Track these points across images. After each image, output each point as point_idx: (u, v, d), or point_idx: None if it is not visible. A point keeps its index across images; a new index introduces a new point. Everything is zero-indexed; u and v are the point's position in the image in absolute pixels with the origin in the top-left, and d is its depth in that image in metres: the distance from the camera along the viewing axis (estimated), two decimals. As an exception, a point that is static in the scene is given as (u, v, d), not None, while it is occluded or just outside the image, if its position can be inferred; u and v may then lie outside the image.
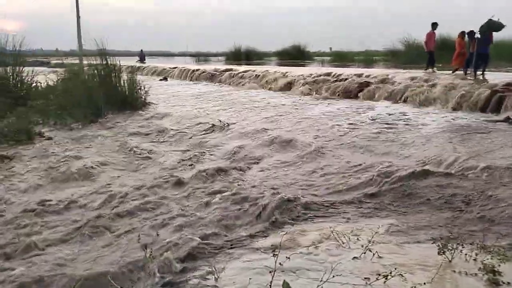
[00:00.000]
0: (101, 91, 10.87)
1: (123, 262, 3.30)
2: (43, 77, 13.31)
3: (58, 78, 13.40)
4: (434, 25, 13.37)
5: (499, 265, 2.88)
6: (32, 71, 12.67)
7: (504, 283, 2.74)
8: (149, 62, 32.84)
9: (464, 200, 4.29)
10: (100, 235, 4.02)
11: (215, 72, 21.40)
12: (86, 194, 5.16)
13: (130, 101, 11.61)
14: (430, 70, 13.60)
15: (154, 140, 8.10)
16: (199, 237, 3.69)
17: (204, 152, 6.99)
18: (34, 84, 12.66)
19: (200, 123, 9.32)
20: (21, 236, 3.99)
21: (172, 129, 8.86)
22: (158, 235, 3.77)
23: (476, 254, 3.09)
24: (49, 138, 8.24)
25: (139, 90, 12.05)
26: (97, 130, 9.05)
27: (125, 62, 16.18)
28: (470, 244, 3.28)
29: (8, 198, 5.04)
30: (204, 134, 8.37)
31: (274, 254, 2.91)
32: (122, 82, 11.82)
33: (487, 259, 3.01)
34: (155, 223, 4.15)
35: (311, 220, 4.05)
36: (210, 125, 8.89)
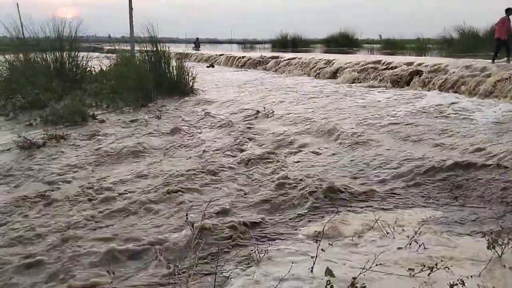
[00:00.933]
0: (151, 76, 11.23)
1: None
2: (97, 62, 13.91)
3: (111, 63, 13.96)
4: (509, 11, 12.26)
5: (554, 263, 2.75)
6: (87, 56, 13.27)
7: (558, 282, 2.62)
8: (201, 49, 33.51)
9: (519, 195, 4.09)
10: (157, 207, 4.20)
11: (261, 59, 21.41)
12: (137, 171, 5.38)
13: (179, 87, 11.91)
14: (497, 60, 12.32)
15: (200, 125, 8.27)
16: (242, 219, 3.77)
17: (248, 138, 7.06)
18: (88, 69, 13.28)
19: (245, 109, 9.41)
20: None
21: (217, 114, 9.00)
22: (204, 214, 3.88)
23: (530, 251, 2.96)
24: (102, 121, 8.63)
25: (187, 76, 12.31)
26: (147, 113, 9.37)
27: (174, 48, 16.54)
28: (524, 240, 3.14)
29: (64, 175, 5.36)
30: (249, 120, 8.45)
31: (316, 240, 2.94)
32: (171, 68, 12.14)
33: (542, 256, 2.88)
34: (201, 204, 4.27)
35: (355, 209, 4.01)
36: (255, 112, 8.95)
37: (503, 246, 2.94)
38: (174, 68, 12.19)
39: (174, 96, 11.48)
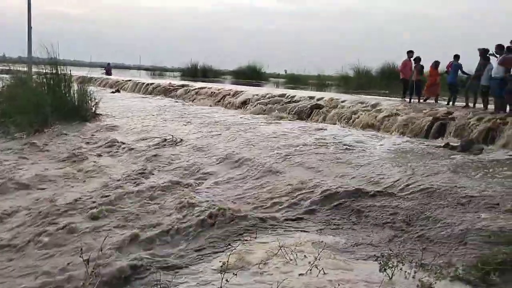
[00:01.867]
0: (49, 99, 10.46)
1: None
2: (-14, 83, 12.62)
3: (3, 84, 12.74)
4: (410, 53, 13.23)
5: (435, 283, 3.05)
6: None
7: (439, 299, 2.90)
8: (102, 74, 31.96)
9: (405, 220, 4.50)
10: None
11: (170, 87, 21.20)
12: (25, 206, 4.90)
13: (80, 112, 11.25)
14: (406, 99, 13.12)
15: (102, 153, 7.85)
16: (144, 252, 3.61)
17: (152, 167, 6.86)
18: (-25, 90, 11.97)
19: (152, 137, 9.17)
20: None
21: (121, 142, 8.64)
22: (101, 250, 3.63)
23: (415, 272, 3.25)
24: (-13, 147, 7.78)
25: (90, 101, 11.71)
26: (42, 139, 8.65)
27: (76, 72, 15.68)
28: (410, 262, 3.44)
29: None
30: (155, 148, 8.23)
31: (221, 271, 2.91)
32: (72, 91, 11.45)
33: (425, 276, 3.17)
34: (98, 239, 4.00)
35: (259, 237, 4.07)
36: (162, 140, 8.77)
37: (393, 269, 3.19)
38: (75, 92, 11.52)
39: (74, 121, 10.78)
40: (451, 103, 11.97)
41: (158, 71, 45.62)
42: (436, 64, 12.86)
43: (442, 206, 4.85)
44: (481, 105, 10.48)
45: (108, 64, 36.29)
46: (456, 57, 11.93)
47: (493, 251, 3.50)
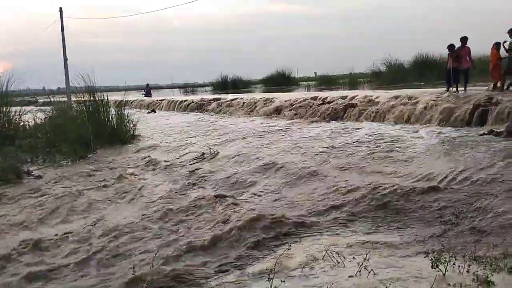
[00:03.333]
0: (89, 126, 10.90)
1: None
2: (31, 116, 13.31)
3: (46, 115, 13.41)
4: (464, 40, 12.00)
5: (492, 275, 2.92)
6: (20, 110, 12.67)
7: (498, 292, 2.78)
8: (139, 96, 32.89)
9: (455, 213, 4.35)
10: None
11: (203, 102, 21.58)
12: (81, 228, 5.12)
13: (119, 135, 11.64)
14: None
15: (144, 172, 8.08)
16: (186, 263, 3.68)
17: (195, 182, 6.99)
18: (22, 123, 12.63)
19: (190, 152, 9.36)
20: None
21: (161, 160, 8.86)
22: (152, 265, 3.73)
23: (469, 266, 3.12)
24: (39, 177, 8.17)
25: (128, 124, 12.11)
26: (86, 165, 9.02)
27: (113, 97, 16.28)
28: (463, 256, 3.32)
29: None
30: (194, 163, 8.39)
31: (268, 279, 2.92)
32: (110, 116, 11.89)
33: (480, 270, 3.04)
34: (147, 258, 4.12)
35: (305, 241, 4.06)
36: (200, 154, 8.93)
37: (446, 264, 3.09)
38: (113, 116, 11.96)
39: (114, 144, 11.17)
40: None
41: (190, 87, 46.58)
42: (497, 45, 11.47)
43: (492, 195, 4.65)
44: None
45: (147, 85, 36.58)
46: None
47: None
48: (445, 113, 9.81)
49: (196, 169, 7.80)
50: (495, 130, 8.09)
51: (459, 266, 3.11)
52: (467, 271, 3.06)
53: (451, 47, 12.39)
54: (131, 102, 27.92)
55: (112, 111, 12.15)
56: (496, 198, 4.57)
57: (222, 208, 5.44)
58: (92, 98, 11.72)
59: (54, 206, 6.12)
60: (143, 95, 32.75)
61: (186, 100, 23.40)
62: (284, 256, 3.50)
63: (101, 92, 12.13)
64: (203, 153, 8.93)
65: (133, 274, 3.53)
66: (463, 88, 11.88)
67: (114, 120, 11.91)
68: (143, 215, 5.44)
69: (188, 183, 6.94)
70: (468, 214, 4.32)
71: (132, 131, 12.09)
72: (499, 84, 11.19)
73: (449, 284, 2.94)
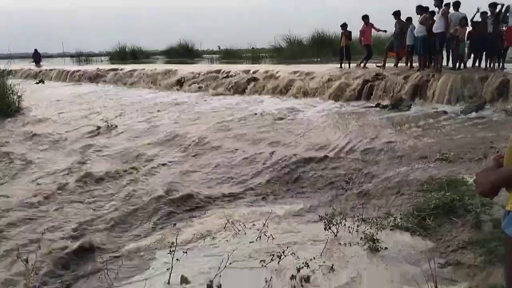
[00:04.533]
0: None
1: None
2: None
3: None
4: (366, 19, 12.27)
5: (377, 233, 3.22)
6: None
7: (382, 248, 3.08)
8: (24, 65, 29.39)
9: (345, 179, 4.70)
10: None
11: (98, 72, 20.16)
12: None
13: (1, 107, 10.39)
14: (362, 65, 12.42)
15: (31, 147, 7.35)
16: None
17: (91, 155, 6.56)
18: None
19: (85, 125, 8.73)
20: None
21: (52, 134, 8.13)
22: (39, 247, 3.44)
23: (358, 226, 3.41)
24: None
25: (11, 95, 10.85)
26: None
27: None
28: (352, 217, 3.60)
29: None
30: (90, 136, 7.85)
31: (170, 251, 2.87)
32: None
33: (367, 229, 3.34)
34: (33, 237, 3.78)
35: (208, 212, 4.07)
36: (96, 127, 8.37)
37: (337, 226, 3.33)
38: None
39: (-4, 118, 9.96)
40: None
41: (84, 57, 43.12)
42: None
43: (378, 162, 5.11)
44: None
45: (35, 50, 30.88)
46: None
47: (427, 198, 3.76)
48: (338, 88, 10.43)
49: (91, 144, 7.30)
50: (381, 103, 8.85)
51: (349, 227, 3.38)
52: (356, 231, 3.35)
53: (343, 26, 13.10)
54: (17, 72, 25.04)
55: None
56: (382, 164, 5.03)
57: (122, 184, 5.19)
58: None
59: None
60: (33, 63, 28.78)
61: (80, 70, 21.66)
62: (186, 228, 3.47)
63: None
64: (99, 127, 8.38)
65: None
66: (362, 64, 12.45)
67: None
68: (32, 193, 4.95)
69: (83, 158, 6.48)
70: (356, 180, 4.69)
71: (17, 103, 10.87)
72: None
73: (340, 243, 3.18)
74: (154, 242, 3.53)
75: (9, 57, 32.16)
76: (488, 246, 2.89)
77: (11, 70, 22.68)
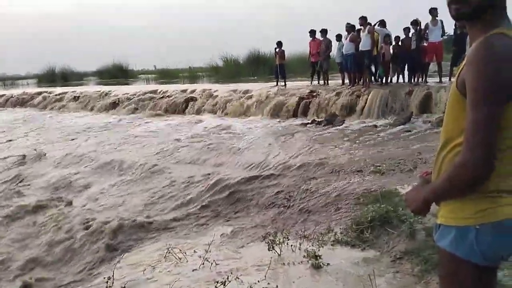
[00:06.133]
0: None
1: None
2: None
3: None
4: (312, 33, 12.20)
5: (319, 250, 3.25)
6: None
7: (324, 264, 3.11)
8: None
9: (286, 197, 4.74)
10: None
11: (25, 96, 18.97)
12: None
13: None
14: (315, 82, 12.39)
15: None
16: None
17: (19, 187, 6.10)
18: None
19: (10, 155, 8.11)
20: None
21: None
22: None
23: (300, 244, 3.43)
24: None
25: None
26: None
27: None
28: (294, 235, 3.63)
29: None
30: (16, 166, 7.31)
31: (107, 287, 2.70)
32: None
33: (309, 246, 3.37)
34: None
35: (146, 244, 3.90)
36: (21, 156, 7.81)
37: (280, 245, 3.32)
38: None
39: None
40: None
41: (9, 80, 40.47)
42: None
43: (317, 177, 5.22)
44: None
45: None
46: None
47: (363, 211, 3.88)
48: (275, 106, 10.63)
49: (17, 174, 6.80)
50: (316, 119, 9.14)
51: (292, 245, 3.39)
52: (299, 249, 3.36)
53: (278, 44, 13.44)
54: None
55: None
56: (320, 179, 5.15)
57: (54, 215, 4.87)
58: None
59: None
60: None
61: (4, 95, 20.26)
62: (123, 262, 3.30)
63: None
64: (24, 156, 7.82)
65: None
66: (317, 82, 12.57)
67: None
68: None
69: (9, 190, 6.02)
70: (297, 196, 4.75)
71: None
72: None
73: (284, 264, 3.17)
74: (90, 277, 3.32)
75: None
76: (423, 255, 3.02)
77: None
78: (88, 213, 4.86)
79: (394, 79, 10.45)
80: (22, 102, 18.66)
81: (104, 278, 3.07)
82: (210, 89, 13.46)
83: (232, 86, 14.11)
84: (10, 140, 9.81)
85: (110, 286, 2.68)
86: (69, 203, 5.38)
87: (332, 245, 3.46)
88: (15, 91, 21.61)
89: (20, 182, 6.46)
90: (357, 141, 6.99)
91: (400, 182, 4.56)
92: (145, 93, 14.78)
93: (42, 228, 4.65)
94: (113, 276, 2.87)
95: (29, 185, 6.30)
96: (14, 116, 15.17)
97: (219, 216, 4.58)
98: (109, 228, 4.26)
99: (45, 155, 7.86)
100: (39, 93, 18.92)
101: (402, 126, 7.90)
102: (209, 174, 5.81)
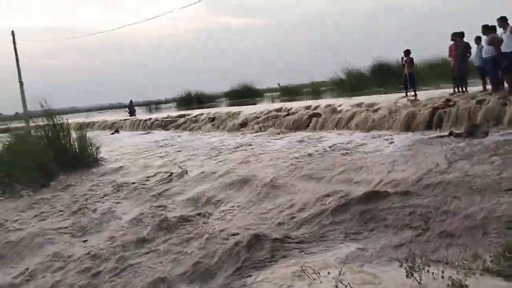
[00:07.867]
0: (51, 152, 10.49)
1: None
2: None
3: (3, 143, 12.80)
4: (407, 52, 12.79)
5: (465, 279, 2.96)
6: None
7: (472, 295, 2.82)
8: (100, 116, 31.92)
9: (423, 218, 4.42)
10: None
11: (168, 119, 21.29)
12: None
13: (82, 159, 11.25)
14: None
15: (109, 197, 7.82)
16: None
17: (165, 203, 6.83)
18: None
19: (158, 172, 9.15)
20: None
21: (127, 182, 8.61)
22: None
23: (443, 272, 3.15)
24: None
25: (90, 147, 11.74)
26: (49, 194, 8.64)
27: (74, 119, 15.78)
28: (436, 261, 3.36)
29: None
30: (163, 183, 8.21)
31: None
32: (71, 140, 11.49)
33: (454, 274, 3.08)
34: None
35: (279, 260, 4.01)
36: (168, 174, 8.75)
37: (420, 272, 3.11)
38: (75, 140, 11.56)
39: (78, 170, 10.77)
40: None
41: (153, 105, 45.94)
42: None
43: (459, 197, 4.77)
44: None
45: (131, 101, 32.52)
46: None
47: (518, 236, 3.42)
48: (405, 119, 10.07)
49: (164, 189, 7.62)
50: (455, 132, 8.38)
51: (433, 272, 3.14)
52: (442, 277, 3.09)
53: (406, 53, 12.85)
54: (93, 124, 27.20)
55: (73, 134, 11.76)
56: (463, 199, 4.69)
57: (198, 230, 5.33)
58: (51, 123, 11.30)
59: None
60: (128, 113, 30.60)
61: (151, 119, 23.03)
62: (259, 279, 3.44)
63: (59, 115, 11.73)
64: (171, 173, 8.75)
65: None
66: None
67: (75, 144, 11.51)
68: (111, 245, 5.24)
69: (158, 205, 6.77)
70: (436, 218, 4.39)
71: (95, 154, 11.72)
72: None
73: (425, 292, 2.96)
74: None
75: (89, 110, 34.93)
76: None
77: (89, 123, 24.72)
78: (225, 226, 5.19)
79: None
80: (165, 124, 20.95)
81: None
82: (334, 104, 13.37)
83: (357, 99, 13.81)
84: (159, 160, 11.02)
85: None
86: (206, 219, 5.81)
87: (481, 274, 3.12)
88: (159, 115, 24.40)
89: (167, 197, 7.20)
90: (505, 156, 6.20)
91: None
92: (270, 111, 15.37)
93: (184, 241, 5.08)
94: (251, 292, 3.02)
95: (173, 200, 6.98)
96: (160, 137, 17.08)
97: (350, 235, 4.47)
98: (244, 243, 4.46)
99: (186, 172, 8.65)
100: (179, 116, 21.06)
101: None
102: (337, 190, 5.73)
